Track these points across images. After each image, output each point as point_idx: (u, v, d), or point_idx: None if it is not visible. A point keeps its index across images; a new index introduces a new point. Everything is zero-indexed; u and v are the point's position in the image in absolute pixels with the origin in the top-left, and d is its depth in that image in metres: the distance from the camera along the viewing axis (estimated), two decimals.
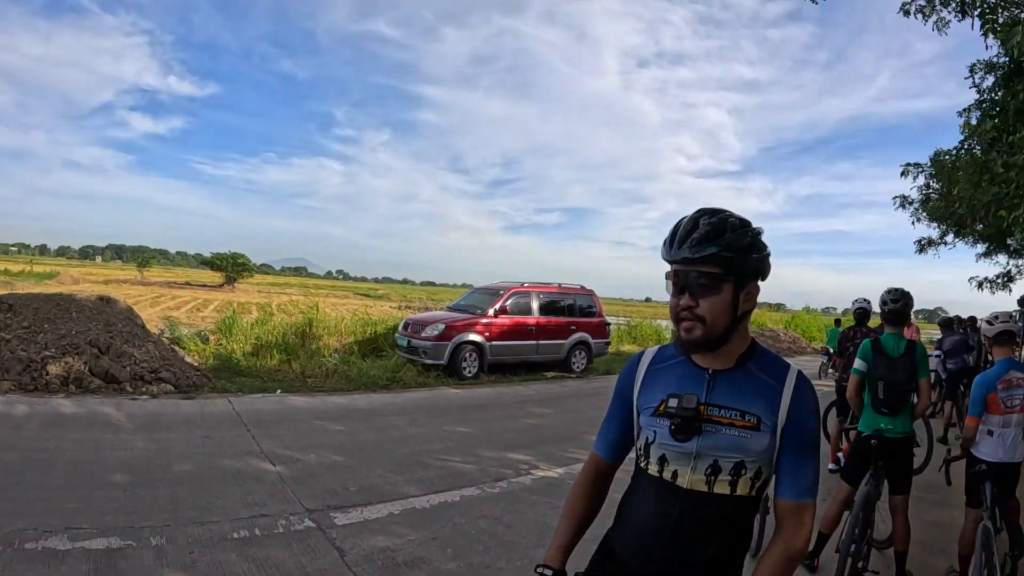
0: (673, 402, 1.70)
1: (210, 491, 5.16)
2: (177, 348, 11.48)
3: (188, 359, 10.76)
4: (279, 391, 9.65)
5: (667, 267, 1.74)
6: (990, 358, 4.61)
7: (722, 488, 1.68)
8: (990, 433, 4.33)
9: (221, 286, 57.48)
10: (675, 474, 1.70)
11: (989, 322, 4.59)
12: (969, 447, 4.46)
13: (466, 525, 4.94)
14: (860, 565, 4.26)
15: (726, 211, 1.70)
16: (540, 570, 1.79)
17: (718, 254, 1.61)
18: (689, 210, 1.76)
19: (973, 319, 11.50)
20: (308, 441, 6.85)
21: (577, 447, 7.50)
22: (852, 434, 4.75)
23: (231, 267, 59.42)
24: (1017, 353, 4.64)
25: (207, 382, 9.65)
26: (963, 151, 11.05)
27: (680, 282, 1.67)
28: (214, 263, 60.75)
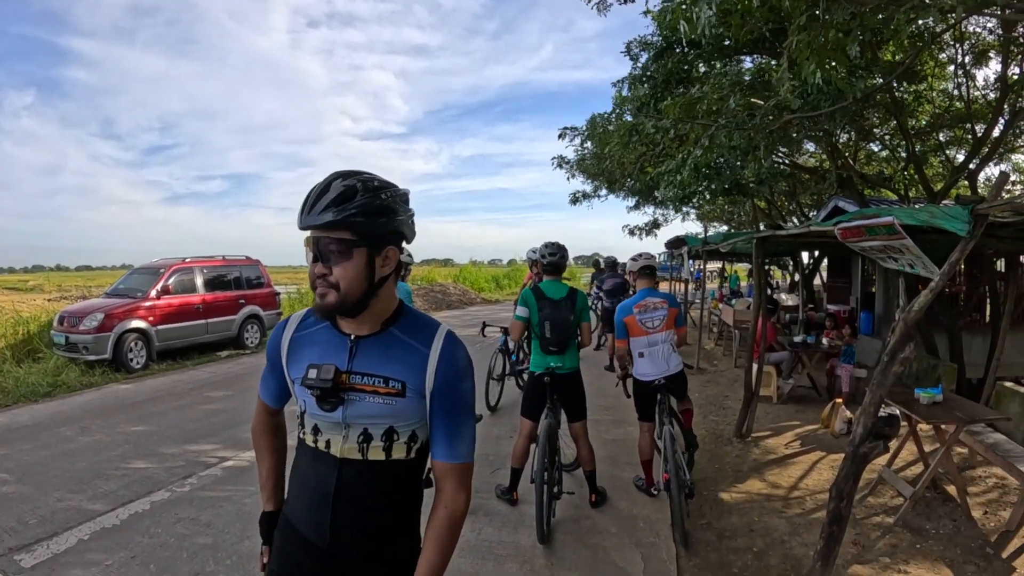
0: (312, 373, 1.69)
1: None
2: None
3: None
4: None
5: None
6: (633, 291, 5.52)
7: (376, 454, 1.71)
8: (641, 355, 5.16)
9: None
10: (328, 443, 1.73)
11: (634, 259, 5.50)
12: (624, 364, 5.30)
13: (164, 534, 4.75)
14: (556, 489, 4.76)
15: (365, 173, 1.67)
16: (262, 513, 1.99)
17: (347, 219, 1.59)
18: None
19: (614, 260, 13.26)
20: None
21: None
22: (525, 375, 5.23)
23: None
24: (655, 285, 5.42)
25: None
26: (615, 116, 12.60)
27: (315, 248, 1.63)
28: None
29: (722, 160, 8.04)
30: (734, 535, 4.66)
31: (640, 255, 5.52)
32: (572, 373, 4.96)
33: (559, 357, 4.87)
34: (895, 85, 8.36)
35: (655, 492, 5.37)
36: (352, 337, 1.74)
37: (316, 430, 1.74)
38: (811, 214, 15.69)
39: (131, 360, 11.69)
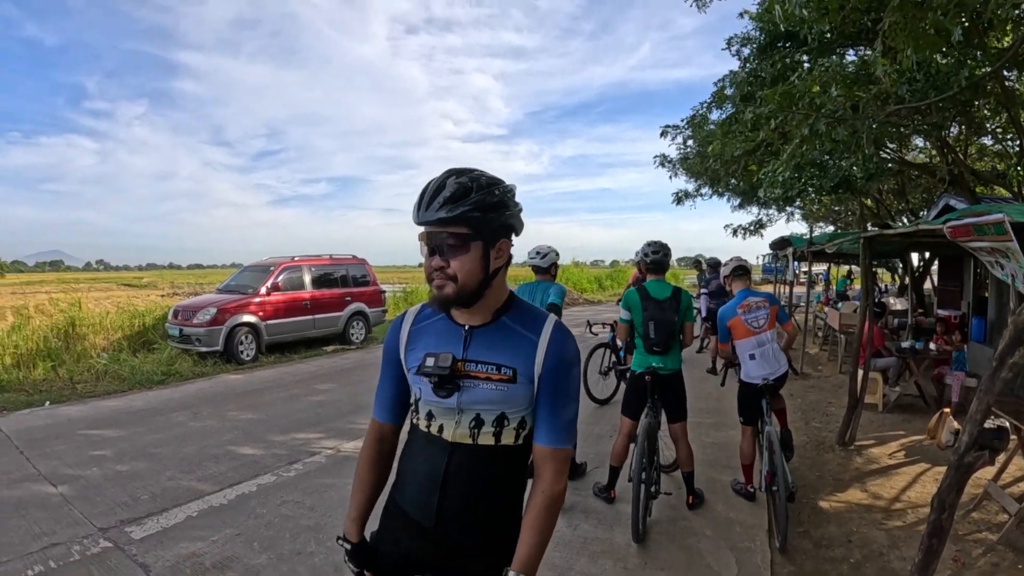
0: (430, 361, 1.77)
1: None
2: None
3: None
4: (47, 403, 9.02)
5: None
6: (731, 294, 5.58)
7: (486, 440, 1.78)
8: (752, 357, 5.15)
9: None
10: (441, 428, 1.80)
11: (725, 264, 5.60)
12: (729, 359, 5.40)
13: (269, 515, 5.00)
14: (652, 489, 4.77)
15: (476, 170, 1.74)
16: (340, 543, 1.92)
17: (465, 215, 1.66)
18: None
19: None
20: (88, 454, 6.54)
21: (365, 418, 7.67)
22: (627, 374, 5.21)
23: None
24: (751, 285, 5.49)
25: None
26: (712, 106, 12.41)
27: (431, 243, 1.72)
28: None
29: (827, 157, 7.82)
30: (831, 545, 4.55)
31: (732, 258, 5.61)
32: (674, 374, 4.96)
33: (661, 357, 4.89)
34: (1006, 74, 7.93)
35: (752, 489, 5.33)
36: (466, 327, 1.81)
37: (430, 416, 1.82)
38: (921, 213, 15.02)
39: (241, 352, 12.31)
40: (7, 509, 5.16)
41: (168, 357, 11.82)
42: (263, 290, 13.06)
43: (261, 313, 12.85)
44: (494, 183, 1.73)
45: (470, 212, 1.67)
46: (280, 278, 13.45)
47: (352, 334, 14.94)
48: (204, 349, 12.01)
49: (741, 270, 5.50)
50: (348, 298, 14.88)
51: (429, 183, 1.72)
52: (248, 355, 12.45)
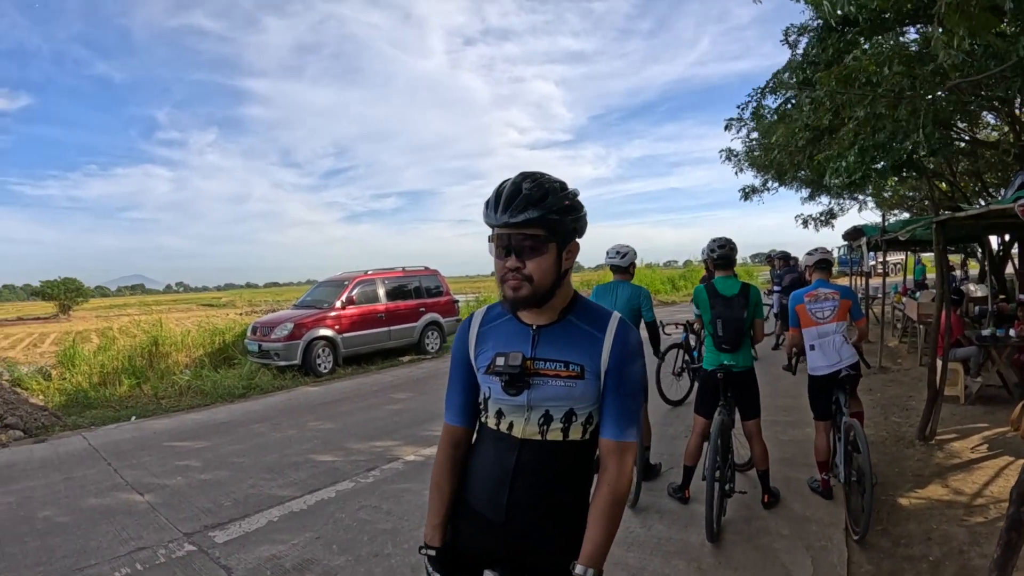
0: (500, 360, 1.82)
1: (82, 534, 5.10)
2: (19, 390, 11.04)
3: (33, 400, 10.40)
4: (133, 418, 9.51)
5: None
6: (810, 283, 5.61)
7: (555, 435, 1.82)
8: (812, 348, 5.17)
9: (56, 316, 54.04)
10: (511, 425, 1.85)
11: (809, 254, 5.67)
12: (796, 349, 5.42)
13: (347, 519, 5.17)
14: (728, 487, 4.78)
15: (545, 174, 1.79)
16: (424, 551, 1.94)
17: (543, 217, 1.71)
18: None
19: (796, 259, 12.86)
20: (172, 464, 6.88)
21: (441, 425, 7.92)
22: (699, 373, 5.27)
23: (64, 294, 55.83)
24: (829, 278, 5.48)
25: (57, 421, 9.37)
26: (778, 105, 12.21)
27: (505, 244, 1.75)
28: (45, 292, 56.41)
29: (886, 137, 7.60)
30: (910, 542, 4.46)
31: (816, 249, 5.65)
32: (746, 371, 4.95)
33: (732, 355, 4.89)
34: None
35: (829, 481, 5.30)
36: (534, 327, 1.87)
37: (500, 413, 1.87)
38: (997, 193, 14.47)
39: (319, 365, 12.67)
40: (97, 516, 5.50)
41: (248, 372, 12.28)
42: (338, 304, 13.40)
43: (337, 326, 13.18)
44: (564, 187, 1.79)
45: (548, 215, 1.72)
46: (354, 292, 13.79)
47: (427, 344, 15.20)
48: (283, 363, 12.40)
49: (824, 263, 5.51)
50: (422, 309, 15.15)
51: (502, 185, 1.78)
52: (325, 367, 12.79)
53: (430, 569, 1.94)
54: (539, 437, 1.83)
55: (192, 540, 4.91)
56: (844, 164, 7.86)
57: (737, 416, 5.08)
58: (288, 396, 10.87)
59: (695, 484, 5.18)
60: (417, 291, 15.31)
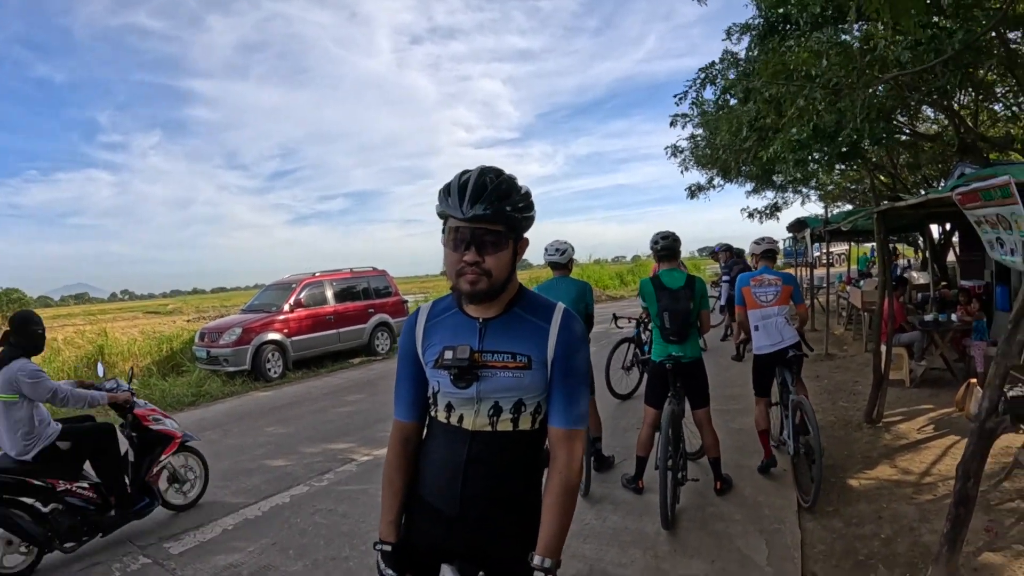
0: (448, 354, 1.82)
1: None
2: None
3: None
4: None
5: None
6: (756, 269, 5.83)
7: (505, 426, 1.82)
8: (756, 328, 5.37)
9: None
10: (461, 418, 1.85)
11: (757, 243, 5.89)
12: (744, 329, 5.64)
13: (303, 524, 5.12)
14: (680, 476, 4.83)
15: (503, 171, 1.81)
16: (380, 547, 1.92)
17: (506, 213, 1.73)
18: None
19: (741, 250, 13.06)
20: None
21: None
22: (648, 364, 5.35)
23: (5, 305, 53.90)
24: (774, 266, 5.83)
25: None
26: (717, 96, 12.33)
27: (465, 238, 1.74)
28: None
29: (832, 125, 7.72)
30: (861, 522, 4.54)
31: (763, 239, 5.89)
32: (694, 361, 5.01)
33: (680, 346, 4.93)
34: (1011, 36, 7.80)
35: (774, 447, 5.64)
36: (480, 320, 1.86)
37: (449, 407, 1.86)
38: (936, 184, 14.85)
39: (269, 370, 12.46)
40: None
41: (197, 379, 12.02)
42: (286, 307, 13.20)
43: (286, 330, 12.98)
44: (521, 185, 1.82)
45: (513, 212, 1.75)
46: (303, 294, 13.60)
47: (377, 345, 15.04)
48: (232, 369, 12.18)
49: (770, 252, 5.83)
50: (371, 310, 15.00)
51: (465, 178, 1.76)
52: (275, 372, 12.59)
53: (383, 565, 1.91)
54: (489, 428, 1.83)
55: (147, 553, 4.79)
56: (796, 141, 7.95)
57: (687, 406, 5.14)
58: (239, 402, 10.70)
59: (648, 474, 5.21)
60: (366, 292, 15.15)
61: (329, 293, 14.19)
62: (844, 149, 7.92)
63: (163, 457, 5.29)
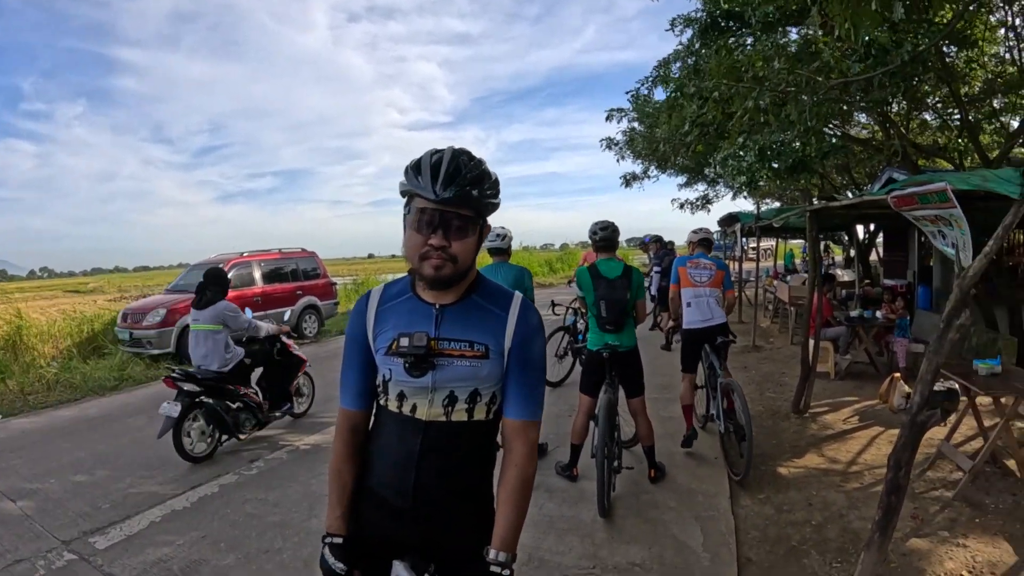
0: (404, 341, 1.75)
1: None
2: None
3: None
4: None
5: (397, 213, 1.82)
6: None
7: (460, 416, 1.78)
8: (689, 304, 5.71)
9: None
10: (414, 407, 1.78)
11: (695, 232, 6.25)
12: (677, 312, 5.96)
13: (233, 515, 4.95)
14: (616, 465, 4.84)
15: (473, 153, 1.76)
16: (330, 540, 1.83)
17: (478, 198, 1.70)
18: (403, 163, 1.78)
19: (672, 242, 13.33)
20: (45, 466, 6.32)
21: (326, 411, 7.74)
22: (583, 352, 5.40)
23: None
24: (708, 253, 6.24)
25: None
26: (653, 83, 12.48)
27: (434, 221, 1.68)
28: None
29: (782, 140, 7.92)
30: (792, 509, 4.66)
31: (701, 228, 6.32)
32: (630, 350, 5.04)
33: (616, 335, 4.95)
34: (945, 50, 8.13)
35: (698, 424, 6.17)
36: (437, 306, 1.80)
37: (402, 396, 1.80)
38: (864, 187, 15.34)
39: None
40: None
41: (120, 362, 11.51)
42: None
43: None
44: (490, 169, 1.78)
45: (482, 198, 1.71)
46: (230, 275, 13.09)
47: (305, 328, 14.72)
48: (156, 351, 11.75)
49: (706, 241, 6.25)
50: (299, 292, 14.66)
51: (437, 158, 1.69)
52: None
53: (332, 560, 1.81)
54: (444, 418, 1.78)
55: (72, 548, 4.52)
56: (744, 164, 8.13)
57: (621, 394, 5.17)
58: (163, 387, 10.21)
59: (583, 462, 5.26)
60: (294, 274, 14.77)
61: (257, 274, 13.83)
62: (796, 160, 8.17)
63: (299, 374, 7.43)
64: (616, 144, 17.10)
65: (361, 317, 1.90)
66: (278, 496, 5.29)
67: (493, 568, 1.71)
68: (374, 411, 1.92)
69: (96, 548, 4.51)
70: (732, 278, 6.50)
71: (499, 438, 1.91)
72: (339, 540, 1.83)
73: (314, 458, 6.16)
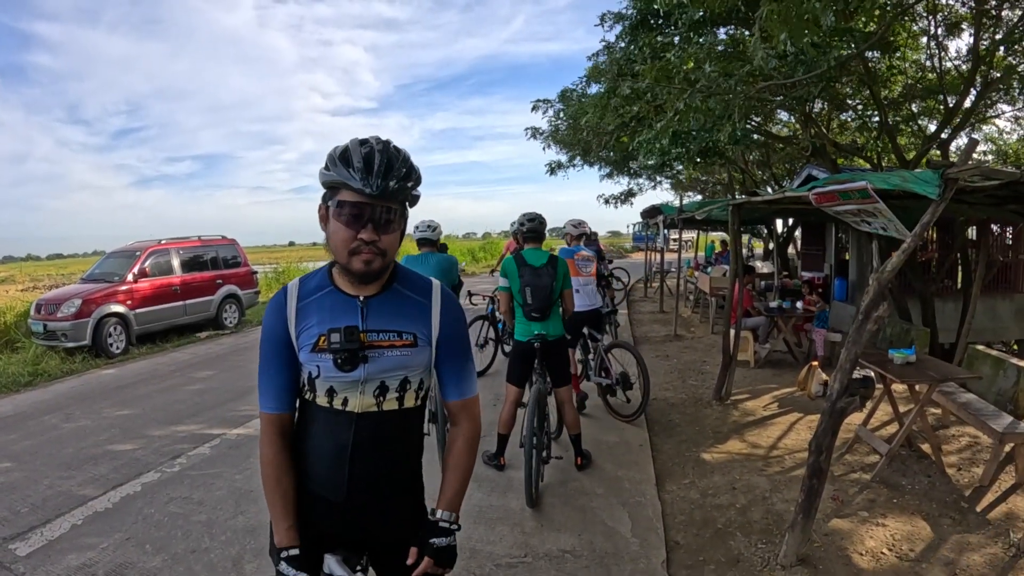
0: (335, 337, 1.71)
1: None
2: None
3: None
4: None
5: (313, 202, 1.81)
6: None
7: (391, 405, 1.78)
8: (577, 291, 6.23)
9: None
10: (345, 401, 1.75)
11: (575, 225, 6.94)
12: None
13: (157, 515, 4.76)
14: (544, 454, 4.88)
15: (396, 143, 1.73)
16: (286, 554, 1.73)
17: (409, 192, 1.71)
18: (325, 149, 1.73)
19: (595, 233, 13.61)
20: None
21: (248, 404, 7.60)
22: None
23: None
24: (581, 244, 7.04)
25: None
26: (584, 84, 12.66)
27: (365, 215, 1.64)
28: None
29: (695, 128, 8.13)
30: (717, 493, 4.81)
31: (581, 223, 7.12)
32: (558, 339, 5.06)
33: (543, 324, 4.95)
34: (868, 56, 8.49)
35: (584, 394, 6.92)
36: (361, 298, 1.78)
37: (331, 392, 1.76)
38: (784, 183, 15.82)
39: (111, 345, 11.59)
40: None
41: (33, 356, 11.00)
42: (130, 277, 12.27)
43: (129, 302, 12.10)
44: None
45: (411, 191, 1.73)
46: (147, 263, 12.68)
47: (225, 318, 14.40)
48: (71, 344, 11.24)
49: (584, 235, 7.19)
50: (219, 281, 14.29)
51: (368, 149, 1.65)
52: (118, 348, 11.73)
53: (292, 572, 1.71)
54: (375, 408, 1.77)
55: None
56: (658, 146, 8.32)
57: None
58: (80, 381, 9.85)
59: (510, 451, 5.30)
60: (214, 262, 14.32)
61: (175, 262, 13.37)
62: (704, 145, 8.41)
63: None
64: (541, 133, 17.25)
65: (280, 314, 1.82)
66: (202, 493, 5.14)
67: (442, 524, 1.80)
68: (299, 407, 1.87)
69: (17, 555, 4.28)
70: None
71: (425, 427, 1.97)
72: (295, 552, 1.75)
73: (237, 453, 6.02)
